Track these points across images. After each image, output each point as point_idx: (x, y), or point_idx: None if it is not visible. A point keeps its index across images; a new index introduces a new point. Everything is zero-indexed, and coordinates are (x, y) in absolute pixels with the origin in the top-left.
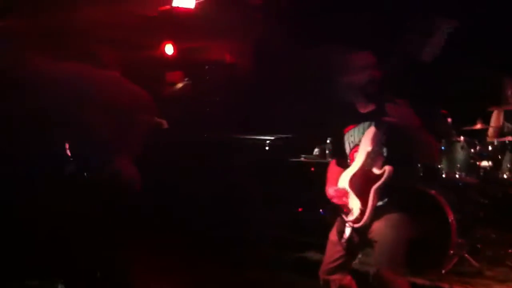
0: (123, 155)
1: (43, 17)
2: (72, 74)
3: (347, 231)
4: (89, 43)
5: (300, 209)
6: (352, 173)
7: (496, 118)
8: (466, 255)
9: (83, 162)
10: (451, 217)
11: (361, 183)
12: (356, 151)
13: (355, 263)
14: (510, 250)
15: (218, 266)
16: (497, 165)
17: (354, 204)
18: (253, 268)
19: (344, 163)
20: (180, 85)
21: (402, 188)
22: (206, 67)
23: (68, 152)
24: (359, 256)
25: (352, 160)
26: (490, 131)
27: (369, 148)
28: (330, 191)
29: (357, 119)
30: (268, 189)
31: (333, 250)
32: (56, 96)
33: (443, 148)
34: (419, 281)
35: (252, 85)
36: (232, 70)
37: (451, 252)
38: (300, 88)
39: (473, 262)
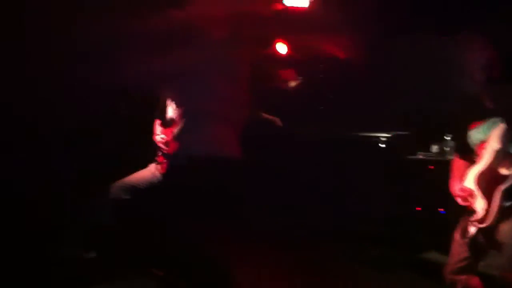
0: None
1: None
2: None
3: (472, 231)
4: (205, 43)
5: (418, 208)
6: (478, 171)
7: None
8: None
9: None
10: None
11: (487, 183)
12: (483, 147)
13: (482, 265)
14: None
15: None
16: None
17: (479, 203)
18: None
19: (470, 159)
20: (294, 83)
21: None
22: (320, 65)
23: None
24: (486, 258)
25: (479, 157)
26: None
27: (497, 147)
28: (455, 189)
29: (485, 115)
30: (385, 188)
31: (458, 250)
32: None
33: None
34: None
35: (367, 81)
36: (346, 67)
37: None
38: (418, 82)
39: None
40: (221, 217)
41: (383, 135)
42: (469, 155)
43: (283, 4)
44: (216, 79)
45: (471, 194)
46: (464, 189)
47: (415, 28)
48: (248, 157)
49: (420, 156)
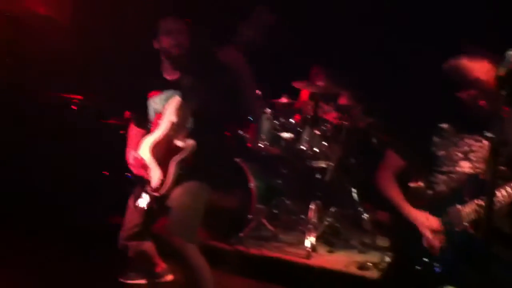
0: None
1: None
2: None
3: (146, 198)
4: None
5: (106, 173)
6: (153, 141)
7: (301, 95)
8: (264, 220)
9: None
10: (252, 184)
11: (162, 153)
12: (160, 119)
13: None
14: (302, 216)
15: None
16: (298, 137)
17: (155, 173)
18: None
19: (146, 128)
20: None
21: (205, 157)
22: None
23: None
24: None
25: (155, 127)
26: (296, 105)
27: (172, 118)
28: (129, 157)
29: (162, 85)
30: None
31: (131, 216)
32: None
33: (250, 118)
34: (219, 245)
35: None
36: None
37: (250, 217)
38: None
39: (270, 227)
40: None
41: (75, 98)
42: (145, 124)
43: None
44: None
45: (143, 163)
46: (136, 159)
47: None
48: None
49: (113, 121)
